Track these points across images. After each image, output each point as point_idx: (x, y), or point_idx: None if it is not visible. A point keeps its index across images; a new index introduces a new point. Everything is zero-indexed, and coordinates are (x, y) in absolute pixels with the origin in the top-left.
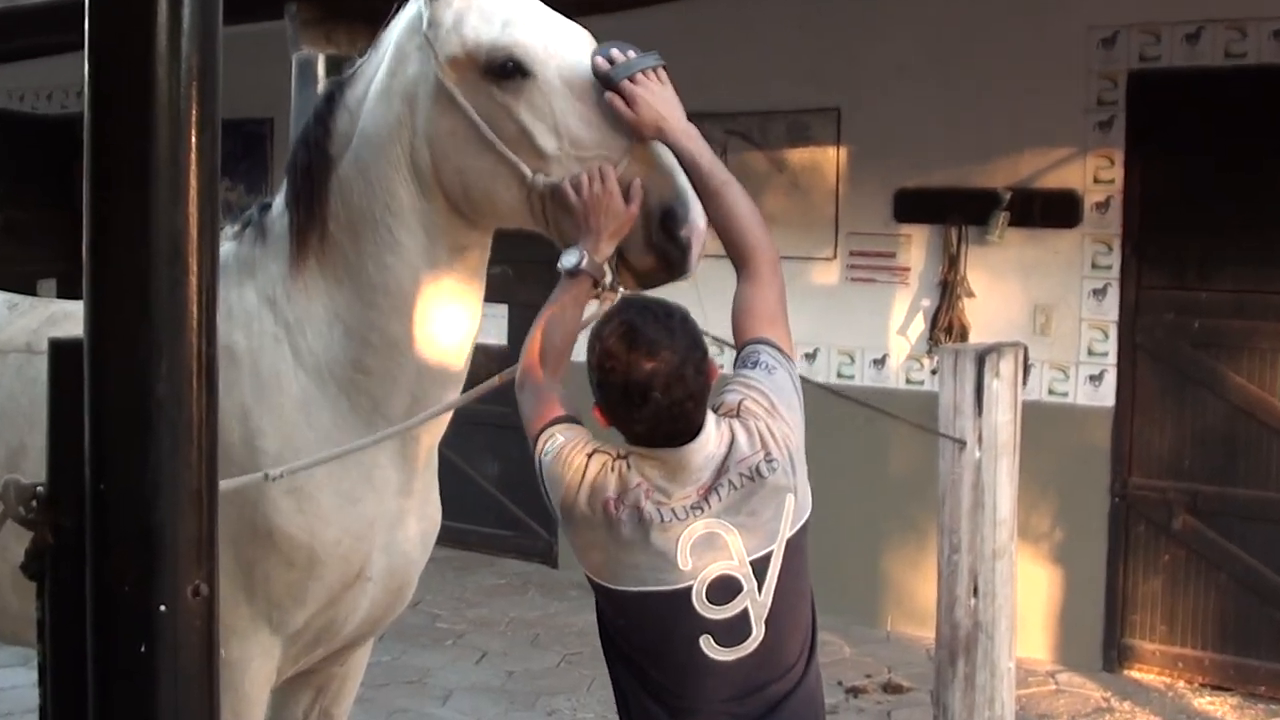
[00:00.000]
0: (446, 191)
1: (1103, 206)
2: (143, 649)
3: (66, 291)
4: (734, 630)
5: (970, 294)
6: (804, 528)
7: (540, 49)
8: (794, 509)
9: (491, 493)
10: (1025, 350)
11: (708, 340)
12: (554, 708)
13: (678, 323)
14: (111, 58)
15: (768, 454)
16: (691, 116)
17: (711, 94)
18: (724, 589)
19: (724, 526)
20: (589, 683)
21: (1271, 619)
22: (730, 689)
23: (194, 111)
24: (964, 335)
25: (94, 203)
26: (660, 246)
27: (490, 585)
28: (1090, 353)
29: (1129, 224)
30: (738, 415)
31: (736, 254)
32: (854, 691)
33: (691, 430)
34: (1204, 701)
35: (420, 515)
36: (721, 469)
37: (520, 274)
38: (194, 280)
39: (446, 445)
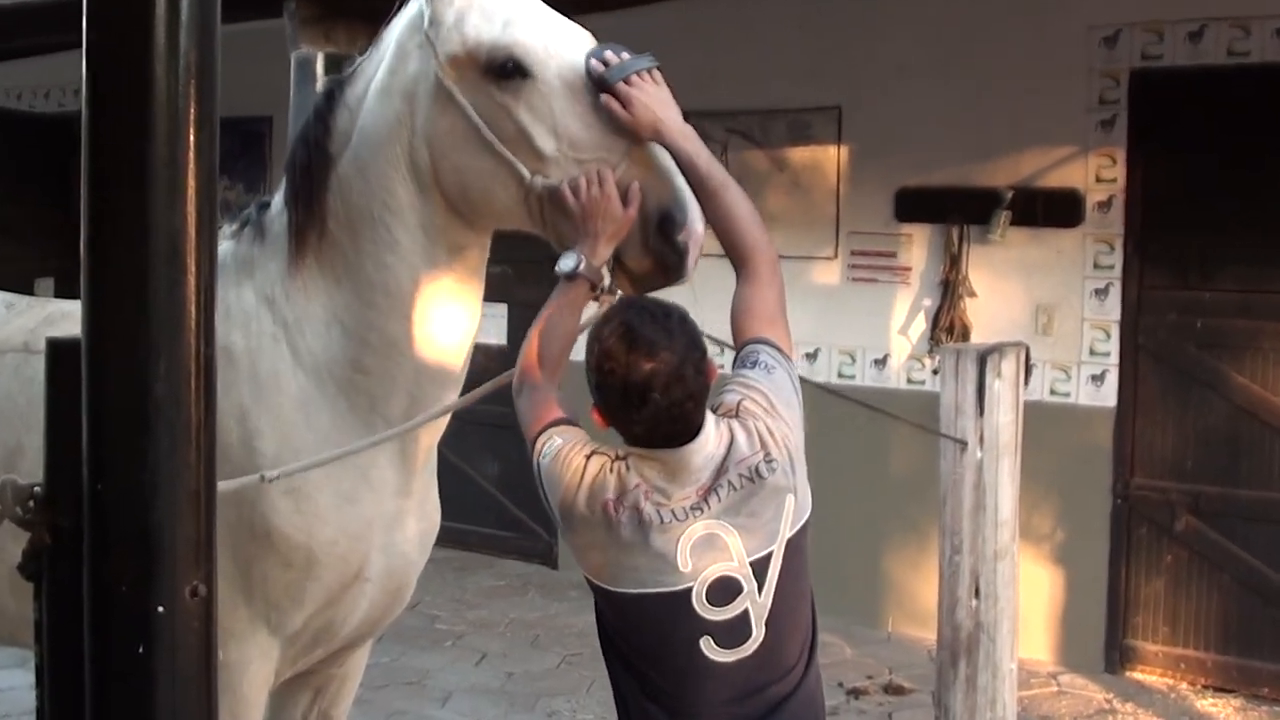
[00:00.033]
0: (445, 191)
1: (1105, 206)
2: (140, 650)
3: (64, 291)
4: (734, 632)
5: (972, 294)
6: (804, 528)
7: (541, 49)
8: (794, 509)
9: (491, 493)
10: (1027, 350)
11: (706, 340)
12: (554, 709)
13: (676, 323)
14: (109, 56)
15: (767, 454)
16: (692, 115)
17: (712, 92)
18: (724, 590)
19: (724, 527)
20: (589, 684)
21: (1274, 620)
22: (730, 690)
23: (192, 109)
24: (965, 335)
25: (92, 201)
26: (658, 250)
27: (490, 586)
28: (1092, 353)
29: (1131, 223)
30: (737, 415)
31: (735, 254)
32: (855, 693)
33: (691, 431)
34: (1207, 703)
35: (419, 515)
36: (721, 469)
37: (520, 273)
38: (192, 280)
39: (446, 445)
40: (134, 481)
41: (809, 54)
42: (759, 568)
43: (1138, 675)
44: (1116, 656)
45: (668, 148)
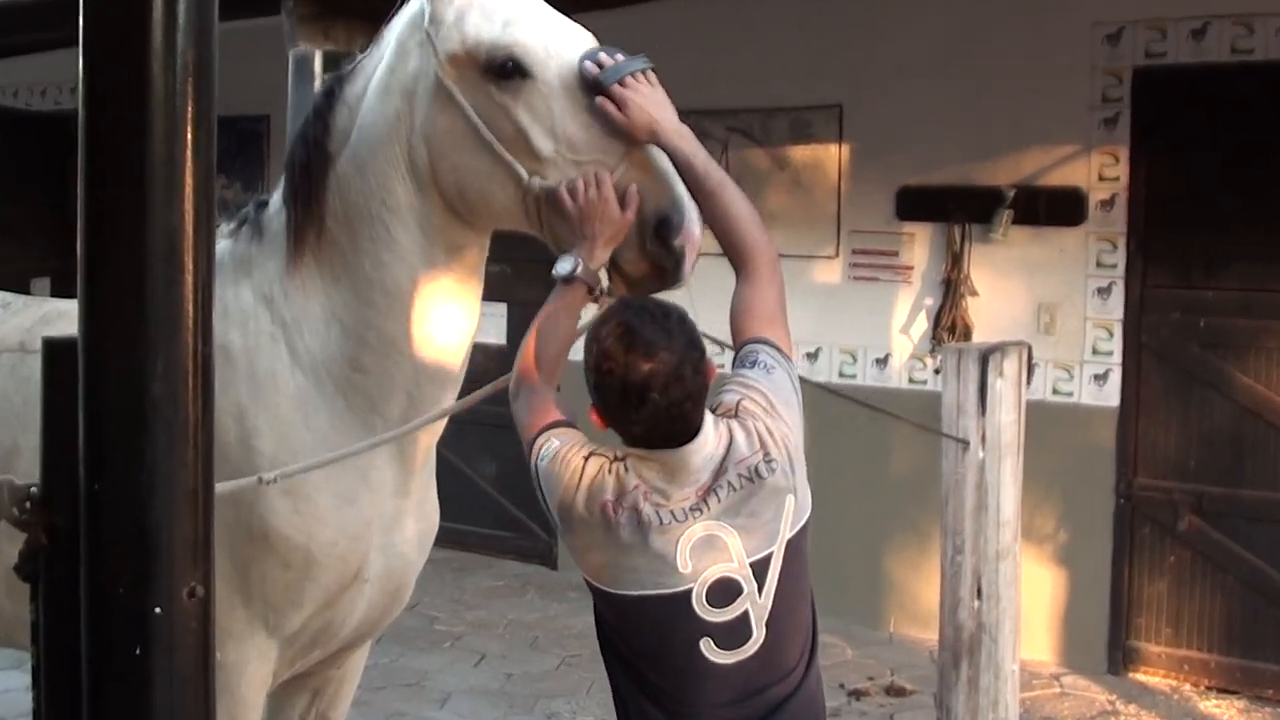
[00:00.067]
0: (442, 190)
1: (1108, 204)
2: (138, 651)
3: (61, 290)
4: (734, 633)
5: (974, 292)
6: (804, 529)
7: (541, 50)
8: (794, 510)
9: (490, 493)
10: (1029, 349)
11: (705, 340)
12: (553, 711)
13: (675, 323)
14: (107, 54)
15: (766, 454)
16: (693, 113)
17: (713, 90)
18: (724, 591)
19: (723, 528)
20: (588, 685)
21: (1278, 621)
22: (730, 692)
23: (190, 108)
24: (967, 334)
25: (89, 200)
26: (654, 254)
27: (489, 587)
28: (1095, 352)
29: (1134, 222)
30: (736, 415)
31: (735, 254)
32: (856, 694)
33: (690, 431)
34: (1210, 704)
35: (418, 516)
36: (720, 470)
37: (519, 272)
38: (190, 279)
39: (445, 445)
40: (131, 481)
41: (810, 52)
42: (759, 569)
43: (1140, 676)
44: (1119, 657)
45: (664, 148)
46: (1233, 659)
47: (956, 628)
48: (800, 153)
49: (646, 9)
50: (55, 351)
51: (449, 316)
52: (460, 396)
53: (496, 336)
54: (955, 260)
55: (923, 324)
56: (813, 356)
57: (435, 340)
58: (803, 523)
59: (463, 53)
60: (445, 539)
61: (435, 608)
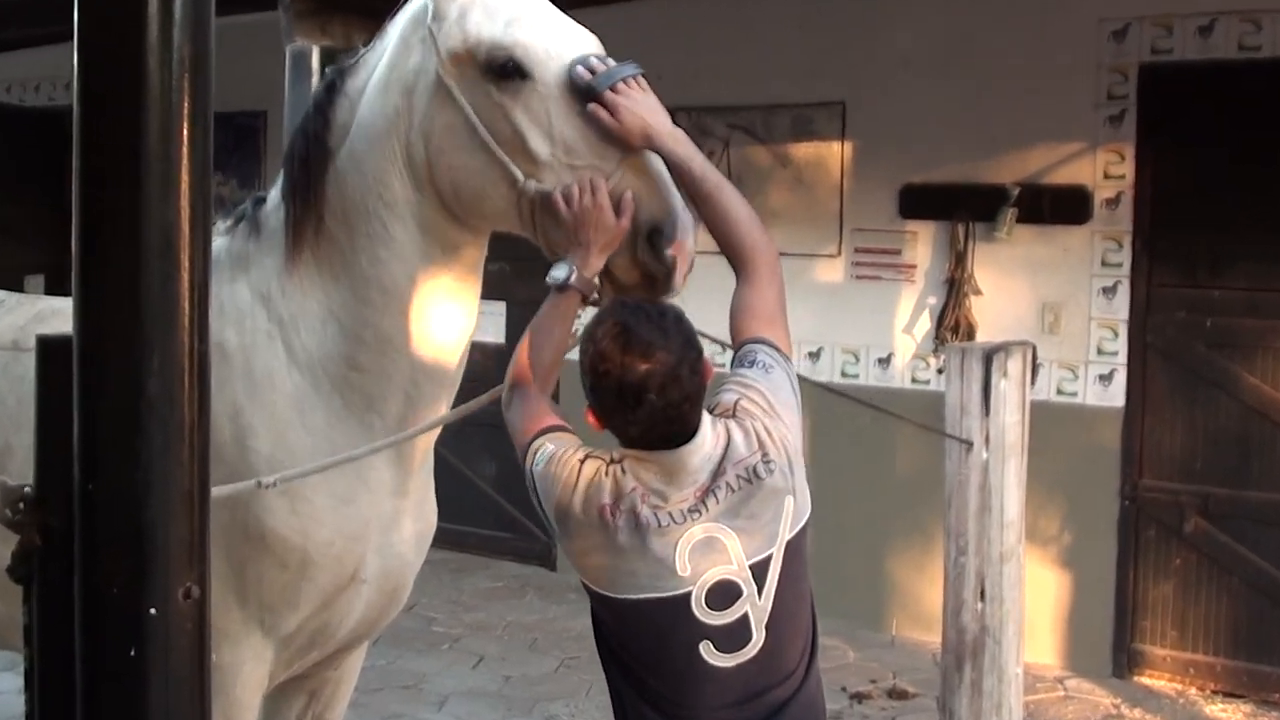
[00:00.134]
0: (439, 188)
1: (1113, 203)
2: (132, 652)
3: (55, 288)
4: (734, 636)
5: (977, 292)
6: (803, 530)
7: (542, 51)
8: (793, 511)
9: (489, 494)
10: (1033, 349)
11: (702, 340)
12: (552, 713)
13: (671, 323)
14: (102, 49)
15: (765, 455)
16: (694, 110)
17: (714, 88)
18: (723, 594)
19: (722, 530)
20: (588, 688)
21: None
22: (730, 695)
23: (186, 104)
24: (971, 334)
25: (84, 197)
26: (646, 264)
27: (487, 588)
28: (1100, 352)
29: (1140, 220)
30: (734, 415)
31: (734, 256)
32: (858, 697)
33: (688, 431)
34: (1216, 708)
35: (416, 516)
36: (719, 471)
37: (518, 271)
38: (186, 276)
39: (443, 446)
40: (126, 481)
41: (812, 48)
42: (758, 571)
43: (1146, 680)
44: (1124, 661)
45: (659, 152)
46: (1239, 662)
47: (960, 630)
48: (802, 150)
49: (648, 6)
50: (50, 350)
51: (447, 315)
52: (459, 396)
53: (495, 335)
54: (959, 259)
55: (926, 323)
56: (815, 356)
57: (433, 339)
58: (802, 524)
59: (464, 50)
60: (443, 540)
61: (433, 609)
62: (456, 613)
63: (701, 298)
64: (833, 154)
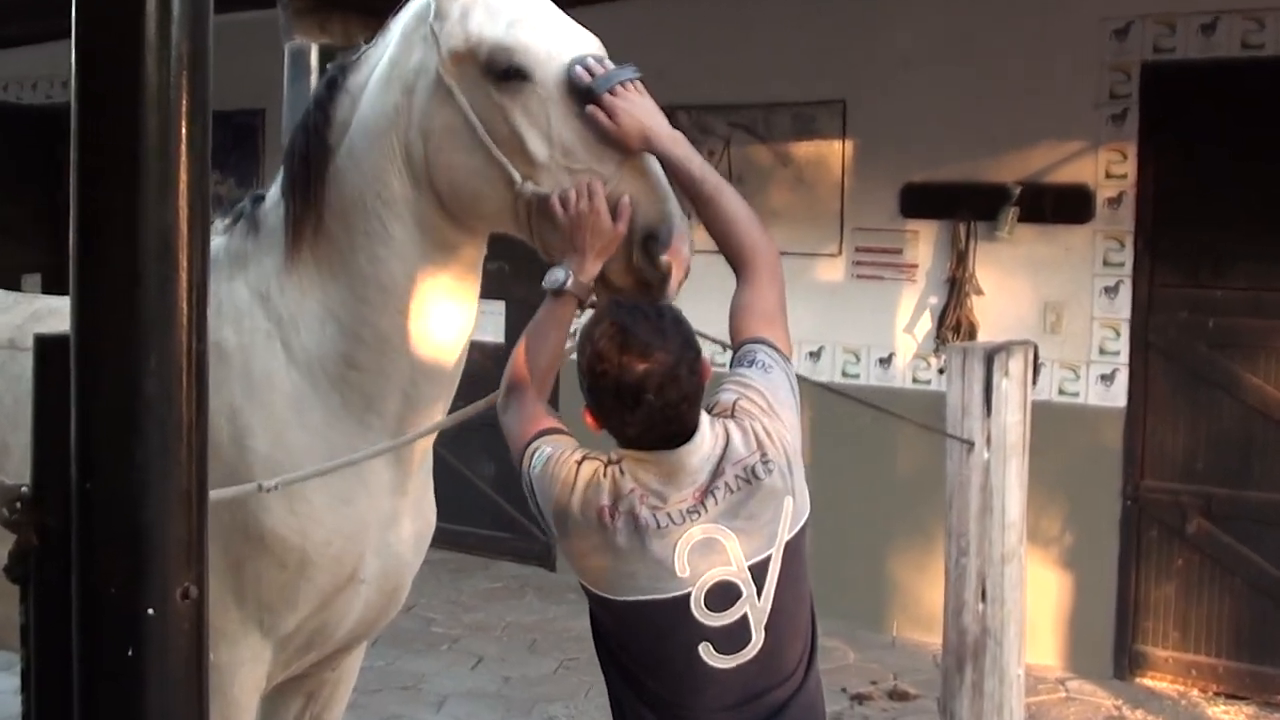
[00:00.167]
0: (436, 187)
1: (1115, 202)
2: (130, 653)
3: (52, 287)
4: (733, 637)
5: (979, 291)
6: (802, 530)
7: (543, 53)
8: (792, 511)
9: (488, 494)
10: (1035, 349)
11: (701, 340)
12: (551, 714)
13: (669, 323)
14: (99, 46)
15: (764, 455)
16: (695, 109)
17: (714, 86)
18: (723, 595)
19: (721, 531)
20: (587, 689)
21: None
22: (729, 697)
23: (184, 102)
24: (972, 334)
25: (82, 196)
26: (640, 270)
27: (486, 589)
28: (1102, 352)
29: (1142, 220)
30: (732, 415)
31: (734, 257)
32: (859, 698)
33: (686, 432)
34: (1219, 710)
35: (415, 516)
36: (717, 471)
37: (517, 270)
38: (184, 275)
39: (442, 446)
40: (124, 480)
41: (813, 47)
42: (758, 572)
43: (1148, 681)
44: (1126, 662)
45: (658, 154)
46: (1241, 664)
47: (961, 631)
48: (803, 149)
49: (648, 5)
50: (47, 349)
51: (445, 314)
52: (457, 395)
53: (494, 334)
54: (960, 258)
55: (927, 323)
56: (815, 356)
57: (431, 338)
58: (801, 524)
59: (465, 50)
60: (442, 540)
61: (432, 609)
62: (455, 613)
63: (701, 298)
64: (834, 153)
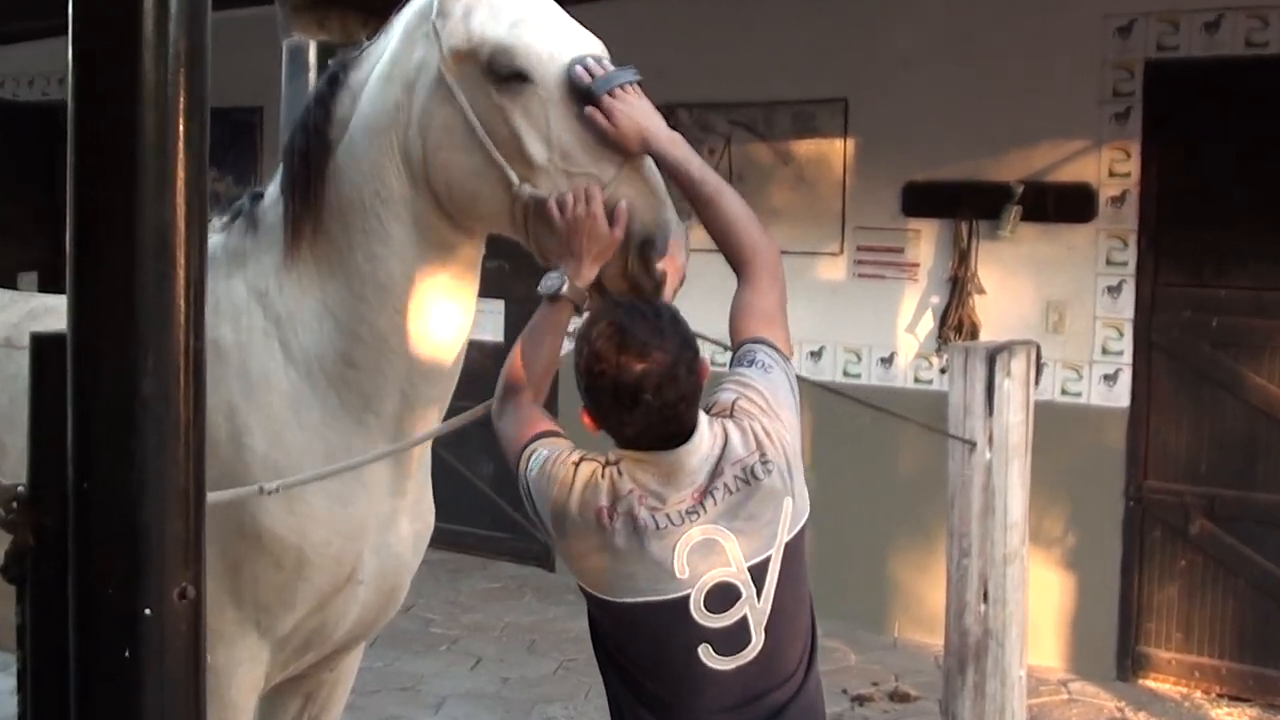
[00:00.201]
0: (433, 186)
1: (1118, 200)
2: (127, 654)
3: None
4: (733, 638)
5: (981, 290)
6: (802, 531)
7: (545, 55)
8: (792, 512)
9: (487, 494)
10: (1038, 349)
11: (700, 339)
12: (550, 715)
13: (668, 322)
14: (97, 44)
15: (763, 455)
16: (696, 107)
17: (715, 85)
18: (722, 596)
19: (721, 532)
20: (586, 690)
21: None
22: (729, 698)
23: (182, 99)
24: (974, 333)
25: (78, 193)
26: (634, 276)
27: (485, 589)
28: (1105, 351)
29: (1145, 218)
30: (731, 415)
31: (734, 258)
32: (860, 700)
33: (685, 432)
34: (1222, 712)
35: (413, 516)
36: (716, 471)
37: (516, 269)
38: (181, 273)
39: (441, 446)
40: (121, 480)
41: (814, 45)
42: (757, 573)
43: (1150, 683)
44: (1128, 664)
45: (657, 155)
46: (1245, 665)
47: (962, 632)
48: (804, 148)
49: (649, 4)
50: (43, 347)
51: (444, 313)
52: (457, 393)
53: (494, 333)
54: (962, 257)
55: (929, 322)
56: (816, 355)
57: (429, 337)
58: (801, 525)
59: (466, 49)
60: (441, 540)
61: (431, 610)
62: (454, 614)
63: (701, 298)
64: (835, 151)
